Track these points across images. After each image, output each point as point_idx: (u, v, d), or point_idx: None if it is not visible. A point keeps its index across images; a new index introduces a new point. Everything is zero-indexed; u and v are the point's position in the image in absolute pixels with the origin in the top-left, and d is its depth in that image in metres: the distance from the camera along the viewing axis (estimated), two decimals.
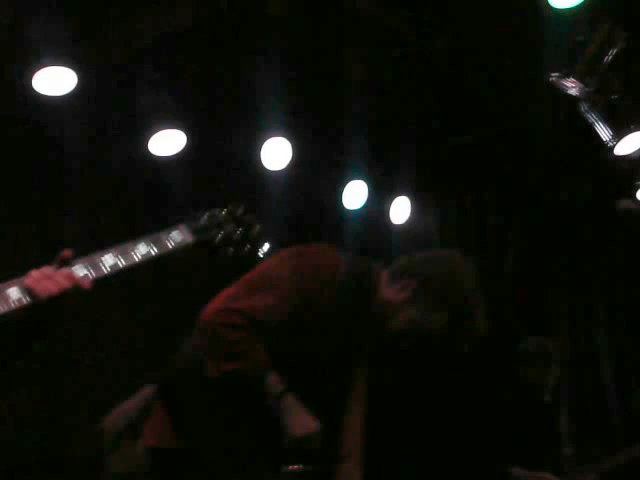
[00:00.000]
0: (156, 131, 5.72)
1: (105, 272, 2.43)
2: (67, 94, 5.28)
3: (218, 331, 3.18)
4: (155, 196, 5.83)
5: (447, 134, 6.66)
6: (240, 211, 2.76)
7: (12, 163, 5.49)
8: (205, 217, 2.68)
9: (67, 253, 2.43)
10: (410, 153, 6.56)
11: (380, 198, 6.92)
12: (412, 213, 7.08)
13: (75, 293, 2.37)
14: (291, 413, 3.15)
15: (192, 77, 5.53)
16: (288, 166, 6.18)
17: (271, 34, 5.32)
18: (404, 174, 6.86)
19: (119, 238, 2.54)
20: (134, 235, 2.56)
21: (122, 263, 2.46)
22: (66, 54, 5.11)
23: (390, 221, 7.07)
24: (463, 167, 7.07)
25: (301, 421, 3.15)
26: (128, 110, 5.62)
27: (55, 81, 5.24)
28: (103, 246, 2.49)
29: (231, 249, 2.66)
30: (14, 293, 2.32)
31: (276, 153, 6.12)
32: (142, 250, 2.51)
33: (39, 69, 5.16)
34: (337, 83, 5.83)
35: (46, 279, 2.34)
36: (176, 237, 2.59)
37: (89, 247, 2.49)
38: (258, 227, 2.74)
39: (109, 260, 2.45)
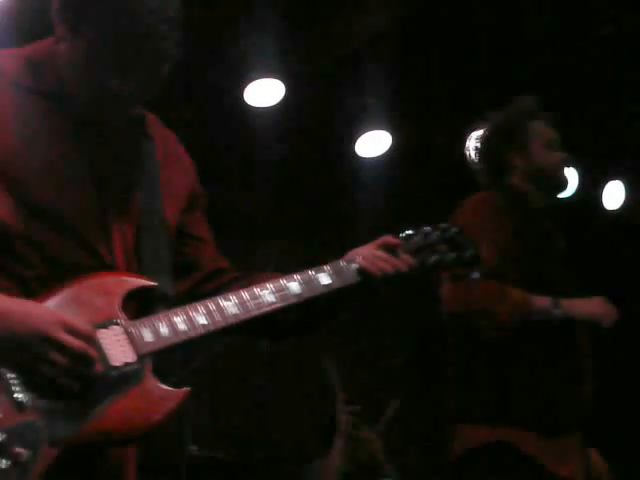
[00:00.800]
0: (363, 133, 5.86)
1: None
2: (276, 104, 5.50)
3: (468, 296, 3.30)
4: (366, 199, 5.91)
5: None
6: (453, 231, 2.60)
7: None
8: (418, 237, 2.54)
9: (393, 241, 2.49)
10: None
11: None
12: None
13: (405, 278, 2.45)
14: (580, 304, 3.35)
15: (387, 78, 5.56)
16: None
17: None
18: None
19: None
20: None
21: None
22: (274, 66, 5.31)
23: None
24: None
25: (592, 303, 3.38)
26: (335, 113, 5.74)
27: (265, 93, 5.48)
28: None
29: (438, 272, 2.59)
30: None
31: None
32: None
33: (249, 82, 5.40)
34: None
35: (381, 261, 2.43)
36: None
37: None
38: (471, 250, 2.59)
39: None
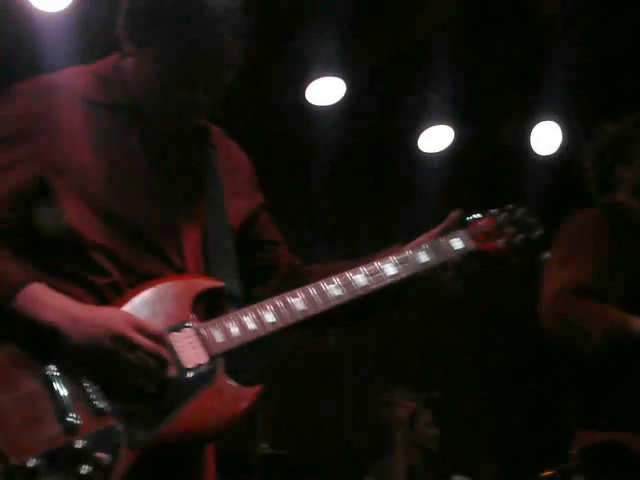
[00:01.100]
0: (426, 128, 5.86)
1: (386, 282, 2.41)
2: (337, 102, 5.53)
3: (565, 314, 3.25)
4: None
5: None
6: (521, 212, 2.60)
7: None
8: (484, 220, 2.56)
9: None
10: None
11: None
12: None
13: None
14: None
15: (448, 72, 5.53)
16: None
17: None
18: None
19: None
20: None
21: (403, 273, 2.43)
22: (335, 65, 5.33)
23: None
24: None
25: None
26: (398, 109, 5.74)
27: (326, 91, 5.51)
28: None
29: (512, 258, 2.53)
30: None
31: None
32: (422, 259, 2.46)
33: (311, 81, 5.44)
34: None
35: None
36: (456, 244, 2.50)
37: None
38: (539, 231, 2.58)
39: (390, 270, 2.43)
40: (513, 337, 6.49)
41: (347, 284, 2.38)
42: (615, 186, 3.54)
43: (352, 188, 6.12)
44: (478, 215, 2.59)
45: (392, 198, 6.27)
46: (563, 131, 5.99)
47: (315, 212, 6.09)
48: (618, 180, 3.54)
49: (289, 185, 5.75)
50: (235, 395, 2.19)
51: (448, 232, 2.54)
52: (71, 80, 2.30)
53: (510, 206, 2.62)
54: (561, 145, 6.02)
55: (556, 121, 5.95)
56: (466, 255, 2.52)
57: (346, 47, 5.22)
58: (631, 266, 3.39)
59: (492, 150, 5.95)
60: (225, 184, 2.40)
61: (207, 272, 2.30)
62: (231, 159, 2.48)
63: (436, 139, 5.91)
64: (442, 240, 2.51)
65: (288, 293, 2.33)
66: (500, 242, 2.54)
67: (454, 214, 2.58)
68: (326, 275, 2.40)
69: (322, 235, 6.15)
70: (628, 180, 3.54)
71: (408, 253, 2.47)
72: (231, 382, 2.19)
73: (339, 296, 2.36)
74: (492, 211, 2.60)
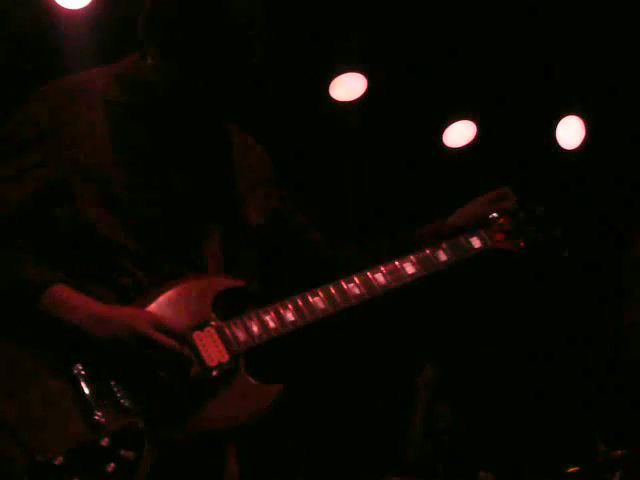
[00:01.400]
0: (450, 123, 5.86)
1: (406, 280, 2.44)
2: (359, 98, 5.54)
3: None
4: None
5: None
6: (540, 211, 2.61)
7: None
8: (503, 219, 2.56)
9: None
10: None
11: None
12: None
13: None
14: None
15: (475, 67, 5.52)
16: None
17: None
18: None
19: None
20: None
21: (422, 272, 2.46)
22: (357, 61, 5.35)
23: None
24: None
25: None
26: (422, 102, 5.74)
27: (348, 87, 5.52)
28: None
29: (533, 256, 2.55)
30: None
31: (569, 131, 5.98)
32: (442, 258, 2.49)
33: (334, 77, 5.45)
34: None
35: None
36: (476, 243, 2.54)
37: None
38: (560, 229, 2.59)
39: (409, 268, 2.46)
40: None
41: (366, 283, 2.41)
42: None
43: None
44: (495, 214, 2.60)
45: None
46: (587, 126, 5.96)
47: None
48: None
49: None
50: (257, 393, 2.22)
51: (468, 231, 2.56)
52: (91, 81, 2.33)
53: (530, 204, 2.63)
54: (584, 140, 5.99)
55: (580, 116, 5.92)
56: (485, 254, 2.54)
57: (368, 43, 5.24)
58: None
59: (514, 145, 5.93)
60: (244, 182, 2.43)
61: (227, 271, 2.33)
62: (249, 156, 2.51)
63: (460, 134, 5.90)
64: (462, 239, 2.55)
65: (309, 291, 2.36)
66: (519, 241, 2.56)
67: (504, 190, 2.59)
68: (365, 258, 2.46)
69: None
70: None
71: (428, 252, 2.50)
72: (252, 380, 2.22)
73: (359, 295, 2.39)
74: (512, 209, 2.61)
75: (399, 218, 5.55)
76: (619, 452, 4.82)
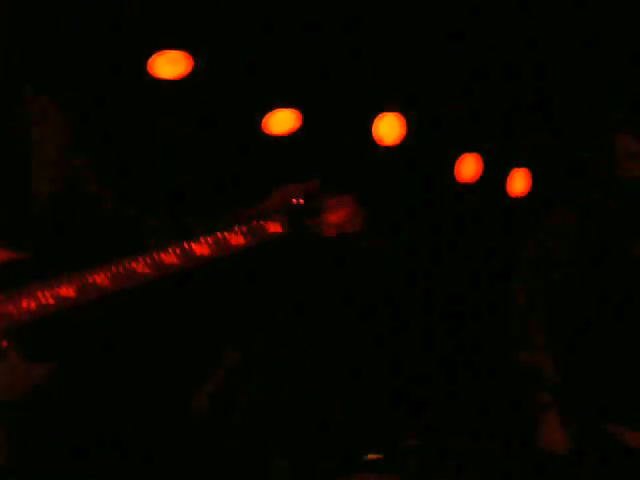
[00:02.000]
0: (272, 110, 5.86)
1: (198, 263, 2.42)
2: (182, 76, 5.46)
3: None
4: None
5: None
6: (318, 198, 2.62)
7: None
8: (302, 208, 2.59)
9: None
10: None
11: None
12: None
13: None
14: None
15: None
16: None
17: None
18: None
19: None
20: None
21: (214, 253, 2.45)
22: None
23: None
24: None
25: None
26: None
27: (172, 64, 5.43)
28: None
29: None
30: None
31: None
32: (234, 241, 2.48)
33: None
34: None
35: None
36: (272, 228, 2.54)
37: None
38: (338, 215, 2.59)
39: (202, 250, 2.43)
40: None
41: (154, 264, 2.37)
42: None
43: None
44: (299, 202, 2.60)
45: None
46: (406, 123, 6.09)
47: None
48: None
49: None
50: (26, 370, 2.14)
51: (269, 216, 2.57)
52: None
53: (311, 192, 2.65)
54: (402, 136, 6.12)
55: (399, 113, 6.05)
56: (286, 240, 2.56)
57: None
58: None
59: (333, 137, 6.01)
60: None
61: None
62: None
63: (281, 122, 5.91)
64: (260, 223, 2.54)
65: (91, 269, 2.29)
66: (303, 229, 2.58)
67: (314, 182, 2.62)
68: None
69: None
70: None
71: (224, 235, 2.48)
72: (21, 358, 2.15)
73: (143, 274, 2.35)
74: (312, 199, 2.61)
75: (210, 201, 5.55)
76: (413, 441, 4.99)
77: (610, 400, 3.43)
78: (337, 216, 2.57)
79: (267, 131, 5.92)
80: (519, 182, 6.60)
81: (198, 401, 5.42)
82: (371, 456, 5.44)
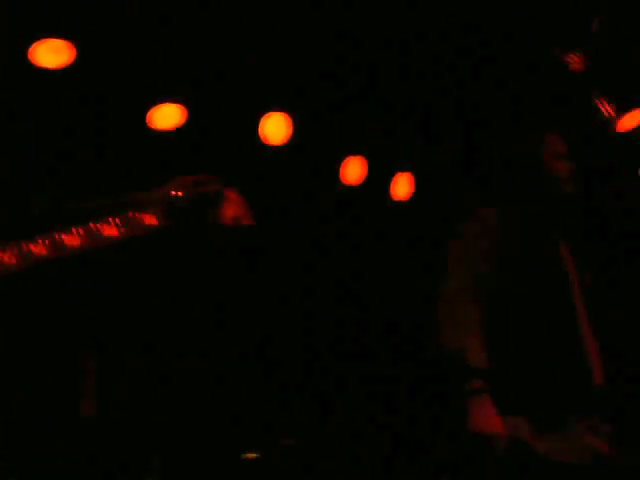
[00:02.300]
0: (157, 104, 5.77)
1: (65, 253, 2.37)
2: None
3: None
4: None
5: None
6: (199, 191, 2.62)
7: None
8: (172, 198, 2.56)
9: None
10: None
11: None
12: None
13: None
14: None
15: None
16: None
17: None
18: None
19: None
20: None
21: (85, 244, 2.41)
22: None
23: None
24: None
25: None
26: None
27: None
28: None
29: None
30: None
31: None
32: (109, 232, 2.45)
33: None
34: None
35: None
36: (147, 220, 2.52)
37: None
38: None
39: (73, 241, 2.39)
40: None
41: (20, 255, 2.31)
42: None
43: None
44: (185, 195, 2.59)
45: None
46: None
47: None
48: None
49: None
50: None
51: (144, 208, 2.54)
52: None
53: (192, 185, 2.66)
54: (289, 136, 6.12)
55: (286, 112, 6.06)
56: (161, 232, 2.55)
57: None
58: None
59: (219, 133, 5.97)
60: None
61: None
62: None
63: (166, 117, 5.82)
64: (135, 215, 2.51)
65: None
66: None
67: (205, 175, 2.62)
68: None
69: None
70: None
71: (97, 225, 2.44)
72: None
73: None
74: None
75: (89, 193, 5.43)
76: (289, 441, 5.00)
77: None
78: (233, 208, 2.57)
79: (152, 125, 5.84)
80: (402, 186, 6.71)
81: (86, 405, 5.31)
82: (249, 455, 5.43)
